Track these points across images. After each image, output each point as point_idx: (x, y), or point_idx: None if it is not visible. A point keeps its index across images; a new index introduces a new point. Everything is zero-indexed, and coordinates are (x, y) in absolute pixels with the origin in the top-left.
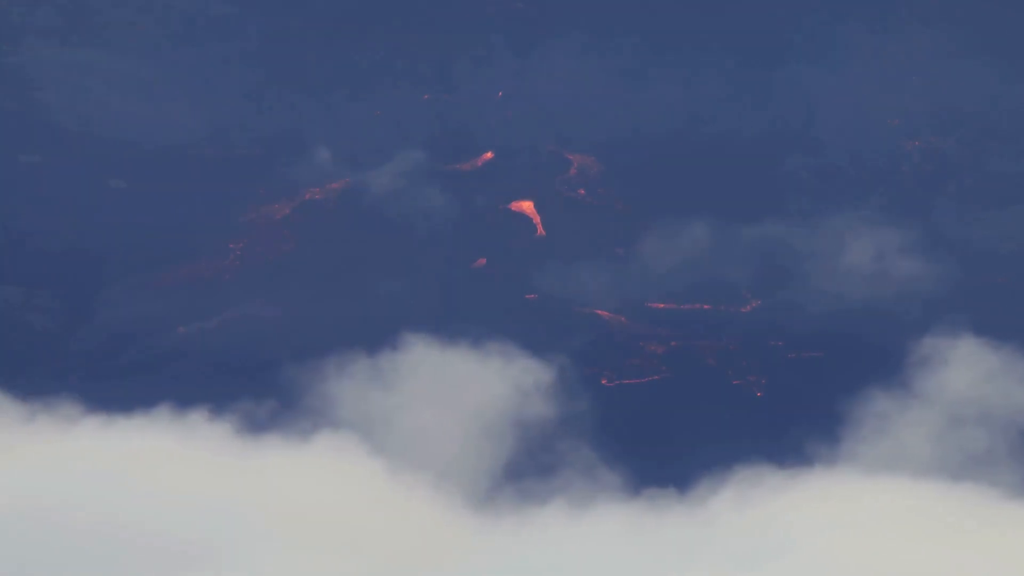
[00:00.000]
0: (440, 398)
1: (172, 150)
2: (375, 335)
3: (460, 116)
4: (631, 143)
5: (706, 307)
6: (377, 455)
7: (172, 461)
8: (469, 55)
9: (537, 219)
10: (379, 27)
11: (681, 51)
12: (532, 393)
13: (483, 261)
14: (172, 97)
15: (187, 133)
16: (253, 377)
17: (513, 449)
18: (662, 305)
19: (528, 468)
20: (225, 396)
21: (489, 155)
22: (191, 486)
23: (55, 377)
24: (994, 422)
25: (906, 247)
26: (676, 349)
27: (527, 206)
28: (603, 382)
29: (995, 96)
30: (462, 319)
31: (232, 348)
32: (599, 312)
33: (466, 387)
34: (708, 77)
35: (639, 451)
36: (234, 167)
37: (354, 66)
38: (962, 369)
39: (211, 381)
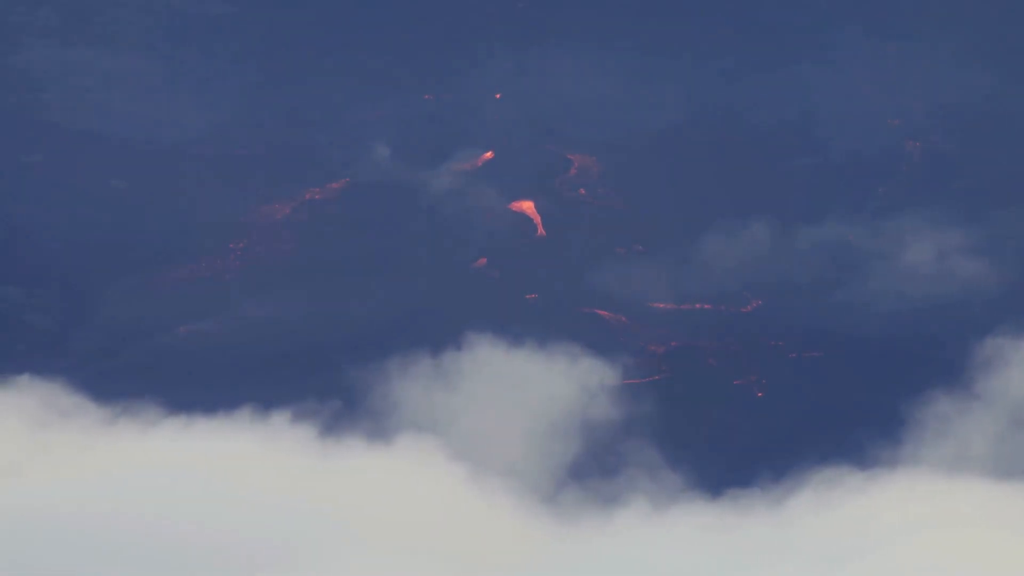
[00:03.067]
0: (505, 398)
1: (172, 150)
2: (377, 335)
3: (460, 116)
4: (631, 143)
5: (707, 307)
6: (450, 456)
7: (252, 463)
8: (469, 55)
9: (537, 219)
10: (379, 27)
11: (681, 51)
12: (597, 393)
13: (483, 261)
14: (172, 97)
15: (187, 133)
16: (273, 379)
17: (580, 449)
18: (662, 305)
19: (596, 469)
20: (272, 399)
21: (489, 155)
22: (270, 488)
23: (56, 377)
24: None
25: (968, 247)
26: (676, 349)
27: (527, 206)
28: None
29: (995, 96)
30: (462, 319)
31: (233, 348)
32: (599, 312)
33: (531, 387)
34: (708, 77)
35: (702, 452)
36: (234, 167)
37: (354, 66)
38: None
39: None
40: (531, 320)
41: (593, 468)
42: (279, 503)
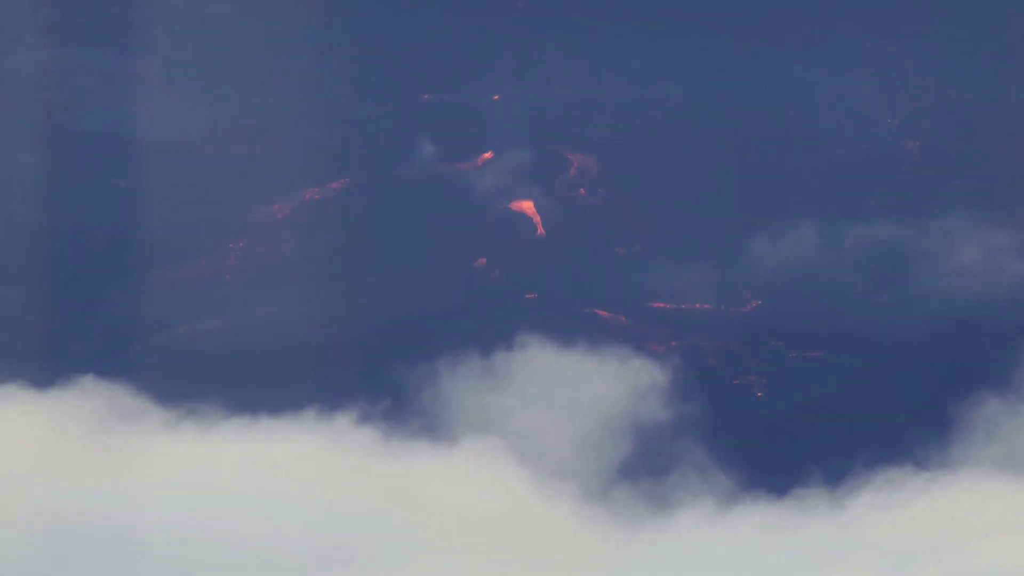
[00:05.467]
0: (555, 398)
1: (172, 150)
2: (377, 335)
3: (460, 116)
4: (632, 143)
5: (707, 307)
6: (505, 456)
7: (311, 463)
8: (469, 55)
9: (537, 219)
10: (379, 27)
11: (681, 51)
12: (648, 394)
13: (483, 261)
14: (172, 97)
15: (187, 132)
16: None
17: (631, 449)
18: (663, 305)
19: (647, 469)
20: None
21: (489, 155)
22: (326, 488)
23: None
24: None
25: (1017, 247)
26: (676, 349)
27: (527, 206)
28: None
29: (995, 96)
30: (462, 319)
31: (240, 349)
32: (599, 312)
33: (581, 387)
34: (708, 77)
35: (752, 452)
36: (234, 167)
37: (354, 66)
38: None
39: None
40: (531, 320)
41: (644, 468)
42: (337, 503)
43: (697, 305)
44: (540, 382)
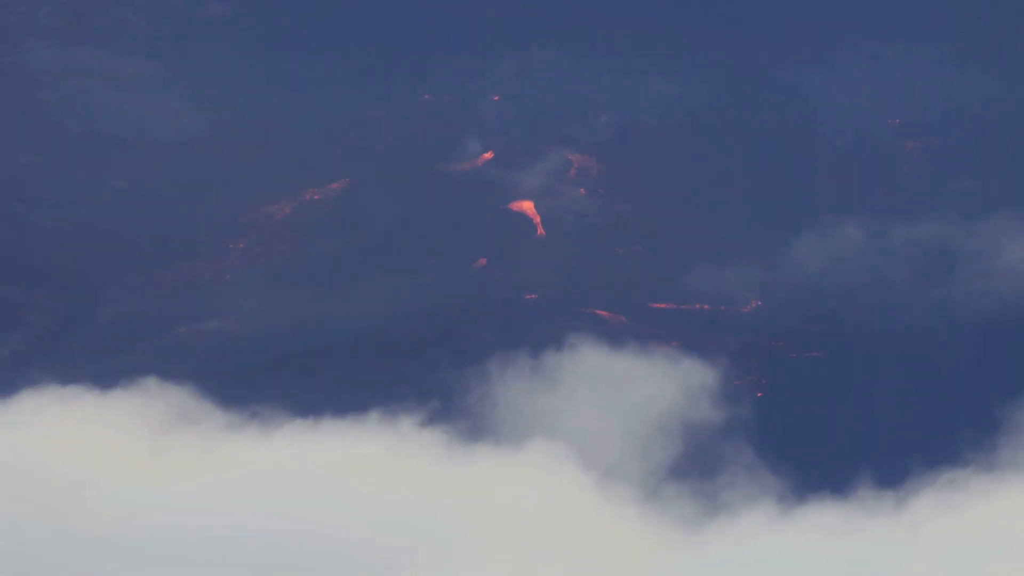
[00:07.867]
0: (606, 399)
1: (172, 150)
2: (375, 335)
3: (460, 116)
4: (632, 143)
5: (706, 307)
6: (558, 457)
7: (374, 466)
8: (469, 55)
9: (537, 219)
10: (379, 27)
11: (681, 51)
12: (699, 395)
13: (483, 261)
14: (172, 96)
15: (187, 132)
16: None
17: (682, 451)
18: (663, 305)
19: (700, 470)
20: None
21: (489, 155)
22: (380, 489)
23: (56, 377)
24: None
25: None
26: (677, 349)
27: (527, 206)
28: None
29: (995, 96)
30: (463, 319)
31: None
32: (599, 312)
33: (631, 388)
34: (708, 77)
35: (803, 454)
36: (234, 167)
37: (354, 66)
38: None
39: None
40: (531, 320)
41: (694, 468)
42: (398, 505)
43: (697, 305)
44: (587, 383)
